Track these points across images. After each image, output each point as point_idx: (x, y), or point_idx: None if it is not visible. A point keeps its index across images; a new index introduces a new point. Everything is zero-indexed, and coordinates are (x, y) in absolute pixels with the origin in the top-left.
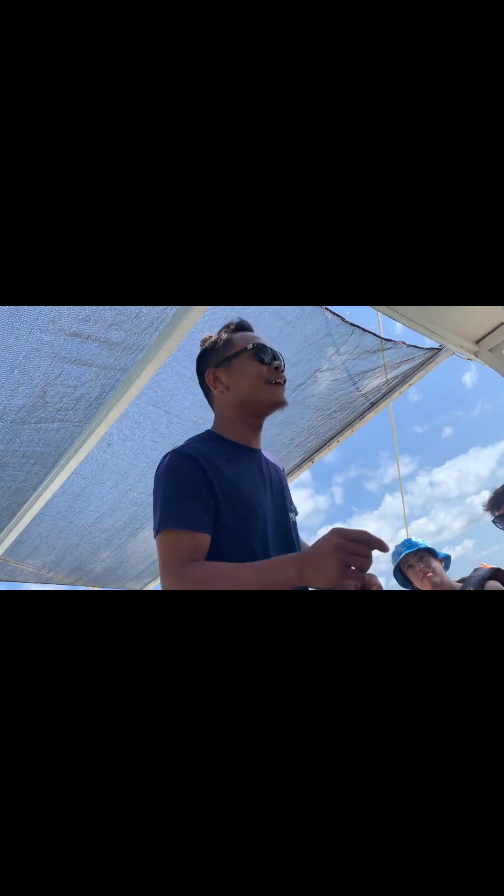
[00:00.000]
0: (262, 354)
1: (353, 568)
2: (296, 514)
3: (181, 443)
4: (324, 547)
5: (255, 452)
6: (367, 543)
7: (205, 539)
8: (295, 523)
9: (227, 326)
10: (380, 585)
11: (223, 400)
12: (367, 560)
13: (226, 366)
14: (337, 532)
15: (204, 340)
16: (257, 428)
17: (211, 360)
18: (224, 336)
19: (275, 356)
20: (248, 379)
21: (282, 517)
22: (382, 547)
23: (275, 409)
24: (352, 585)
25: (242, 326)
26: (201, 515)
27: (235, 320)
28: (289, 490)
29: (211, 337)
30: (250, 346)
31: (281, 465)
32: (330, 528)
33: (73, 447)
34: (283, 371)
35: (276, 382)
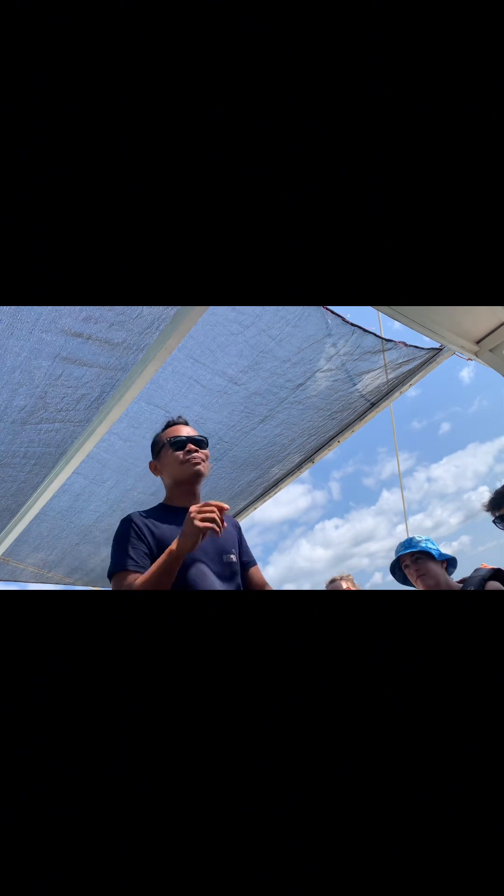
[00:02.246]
0: (174, 445)
1: (202, 524)
2: (249, 563)
3: None
4: (185, 521)
5: None
6: (210, 506)
7: (136, 575)
8: (241, 564)
9: (164, 424)
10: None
11: (163, 481)
12: (211, 514)
13: (157, 458)
14: (192, 507)
15: None
16: (192, 492)
17: (152, 454)
18: (158, 435)
19: (191, 440)
20: (170, 464)
21: (223, 556)
22: (221, 506)
23: (195, 479)
24: (208, 528)
25: (169, 423)
26: (135, 559)
27: (171, 419)
28: (240, 539)
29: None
30: (167, 440)
31: (232, 520)
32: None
33: (74, 447)
34: (197, 450)
35: (191, 462)
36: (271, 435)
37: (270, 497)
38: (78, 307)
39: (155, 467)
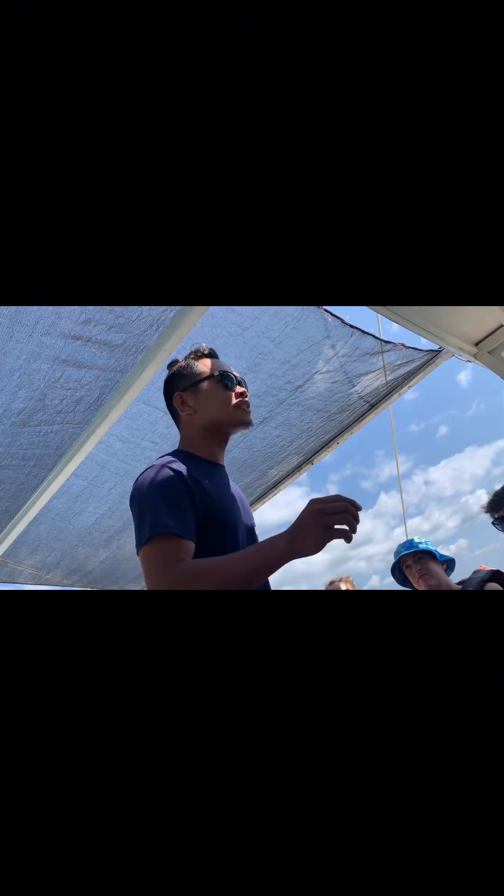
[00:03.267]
0: (227, 381)
1: (336, 527)
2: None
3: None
4: (306, 516)
5: (222, 468)
6: (342, 502)
7: (192, 545)
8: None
9: (194, 352)
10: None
11: (191, 421)
12: (346, 515)
13: (193, 390)
14: (313, 500)
15: (171, 365)
16: (223, 446)
17: (178, 384)
18: (191, 362)
19: (239, 382)
20: (216, 403)
21: (251, 529)
22: (356, 504)
23: (241, 429)
24: (342, 536)
25: (209, 353)
26: (189, 522)
27: (203, 348)
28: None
29: (178, 362)
30: (216, 373)
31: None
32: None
33: (73, 448)
34: (247, 396)
35: (241, 406)
36: (270, 437)
37: (269, 499)
38: (78, 310)
39: (183, 401)
